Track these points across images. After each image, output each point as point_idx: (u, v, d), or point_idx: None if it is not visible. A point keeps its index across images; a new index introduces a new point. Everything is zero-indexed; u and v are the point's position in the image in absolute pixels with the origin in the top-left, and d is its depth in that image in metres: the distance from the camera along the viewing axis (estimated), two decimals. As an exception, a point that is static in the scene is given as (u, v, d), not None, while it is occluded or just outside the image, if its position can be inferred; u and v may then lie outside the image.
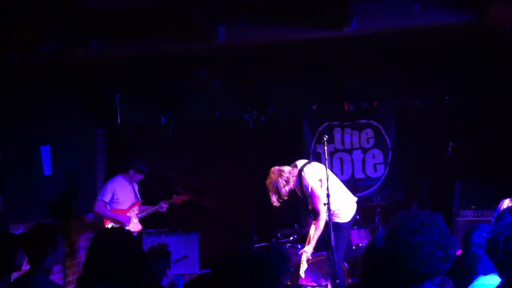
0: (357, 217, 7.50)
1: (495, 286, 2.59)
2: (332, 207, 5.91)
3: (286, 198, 5.97)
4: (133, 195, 7.31)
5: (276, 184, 5.87)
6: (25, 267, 4.13)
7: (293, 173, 5.97)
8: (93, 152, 8.06)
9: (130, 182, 7.28)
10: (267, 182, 5.96)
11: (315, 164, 6.19)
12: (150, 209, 7.38)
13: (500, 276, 2.69)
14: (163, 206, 7.36)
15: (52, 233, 3.97)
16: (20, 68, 5.67)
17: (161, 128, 8.04)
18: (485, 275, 3.10)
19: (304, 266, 5.89)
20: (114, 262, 3.19)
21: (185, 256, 7.52)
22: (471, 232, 3.20)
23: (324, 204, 5.80)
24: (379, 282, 2.86)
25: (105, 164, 8.27)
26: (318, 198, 5.89)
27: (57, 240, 3.94)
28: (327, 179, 5.87)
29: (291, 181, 5.94)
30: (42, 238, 3.92)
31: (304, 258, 5.90)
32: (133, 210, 7.27)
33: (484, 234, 3.15)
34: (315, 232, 5.93)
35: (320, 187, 5.94)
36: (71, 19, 4.91)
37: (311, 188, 5.94)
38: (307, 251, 5.93)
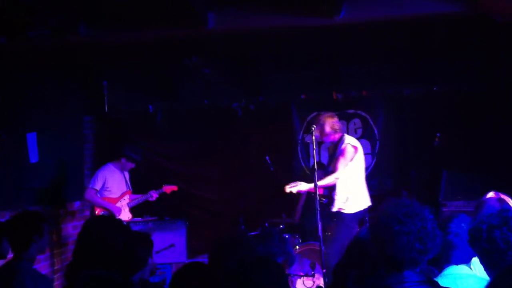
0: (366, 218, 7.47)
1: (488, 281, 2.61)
2: (343, 193, 6.06)
3: (323, 140, 6.31)
4: (124, 183, 7.28)
5: (324, 123, 6.15)
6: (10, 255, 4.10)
7: (340, 128, 6.27)
8: (80, 139, 8.00)
9: (121, 170, 7.26)
10: (319, 118, 6.26)
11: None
12: (140, 198, 7.37)
13: (482, 264, 2.72)
14: (153, 195, 7.35)
15: (38, 220, 3.96)
16: (7, 53, 5.60)
17: (149, 116, 8.00)
18: (457, 264, 3.12)
19: (292, 188, 6.04)
20: (104, 249, 3.19)
21: (172, 245, 7.51)
22: (449, 220, 3.21)
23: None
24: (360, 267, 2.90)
25: (92, 151, 8.21)
26: (344, 158, 6.04)
27: (43, 228, 3.92)
28: (361, 166, 6.20)
29: (336, 129, 6.20)
30: (28, 225, 3.89)
31: (297, 185, 6.03)
32: (124, 199, 7.25)
33: (462, 224, 3.15)
34: (321, 180, 5.99)
35: (352, 153, 6.10)
36: (59, 4, 4.86)
37: (345, 147, 6.09)
38: (303, 185, 6.02)
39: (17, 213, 4.06)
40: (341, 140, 6.21)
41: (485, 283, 3.01)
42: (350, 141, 6.20)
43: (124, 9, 5.19)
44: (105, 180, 7.08)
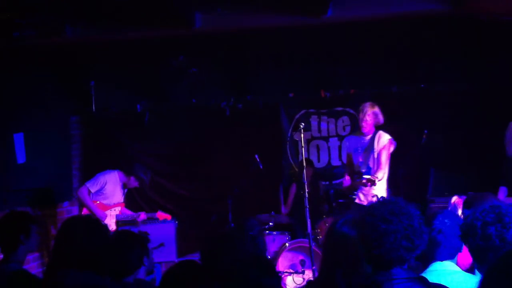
0: None
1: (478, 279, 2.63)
2: (382, 188, 6.16)
3: (365, 123, 6.31)
4: (121, 195, 7.19)
5: (379, 113, 6.31)
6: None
7: (380, 121, 6.33)
8: (68, 139, 7.96)
9: (124, 184, 7.19)
10: (370, 106, 6.34)
11: None
12: (130, 216, 7.24)
13: (474, 260, 2.71)
14: (141, 215, 7.20)
15: (24, 221, 3.92)
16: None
17: (137, 116, 7.97)
18: (441, 261, 3.13)
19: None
20: (81, 250, 3.18)
21: (162, 244, 7.48)
22: (433, 217, 3.20)
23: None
24: (342, 265, 2.91)
25: (79, 151, 8.18)
26: (388, 153, 6.19)
27: (30, 228, 3.89)
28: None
29: (378, 118, 6.31)
30: (14, 226, 3.87)
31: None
32: (114, 210, 7.15)
33: (446, 220, 3.15)
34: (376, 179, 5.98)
35: (391, 147, 6.25)
36: (45, 5, 4.83)
37: (388, 141, 6.23)
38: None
39: (4, 214, 4.03)
40: (377, 134, 6.30)
41: (469, 279, 3.04)
42: (388, 135, 6.30)
43: (109, 10, 5.18)
44: (104, 185, 6.97)
